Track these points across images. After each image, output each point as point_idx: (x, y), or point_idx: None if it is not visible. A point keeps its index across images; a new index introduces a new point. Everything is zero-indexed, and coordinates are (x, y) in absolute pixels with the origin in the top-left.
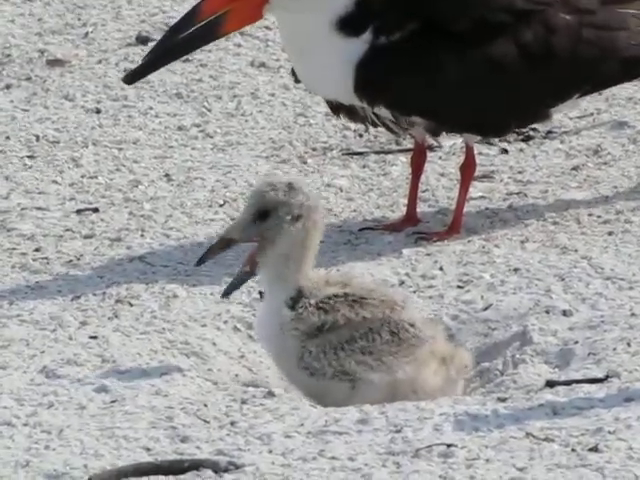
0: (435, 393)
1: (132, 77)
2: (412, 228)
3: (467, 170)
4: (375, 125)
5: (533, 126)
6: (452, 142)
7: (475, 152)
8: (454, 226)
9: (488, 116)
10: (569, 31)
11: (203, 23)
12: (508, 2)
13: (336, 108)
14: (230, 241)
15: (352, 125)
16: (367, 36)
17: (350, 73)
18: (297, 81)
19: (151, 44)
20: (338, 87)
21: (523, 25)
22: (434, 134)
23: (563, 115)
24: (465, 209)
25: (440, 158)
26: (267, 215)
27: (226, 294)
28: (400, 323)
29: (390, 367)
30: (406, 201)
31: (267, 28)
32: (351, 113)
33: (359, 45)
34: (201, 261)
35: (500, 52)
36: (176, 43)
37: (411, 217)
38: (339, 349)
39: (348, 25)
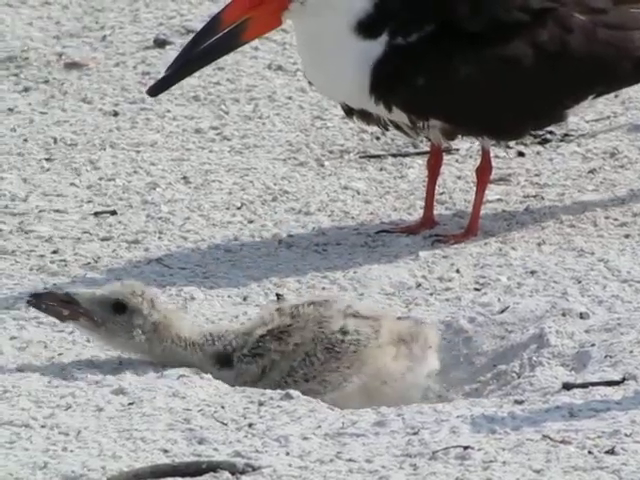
0: (405, 375)
1: (157, 89)
2: (429, 230)
3: (483, 173)
4: (387, 129)
5: (550, 129)
6: (469, 145)
7: (492, 155)
8: (471, 228)
9: (505, 118)
10: (584, 31)
11: (224, 32)
12: (523, 2)
13: (349, 111)
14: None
15: (369, 128)
16: (384, 38)
17: (367, 74)
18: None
19: (168, 47)
20: (353, 89)
21: (539, 25)
22: (450, 137)
23: (579, 118)
24: (482, 211)
25: (457, 161)
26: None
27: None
28: (332, 337)
29: (337, 383)
30: (423, 204)
31: (284, 31)
32: (365, 116)
33: (376, 47)
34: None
35: (516, 53)
36: (198, 53)
37: (428, 220)
38: (283, 383)
39: (366, 27)
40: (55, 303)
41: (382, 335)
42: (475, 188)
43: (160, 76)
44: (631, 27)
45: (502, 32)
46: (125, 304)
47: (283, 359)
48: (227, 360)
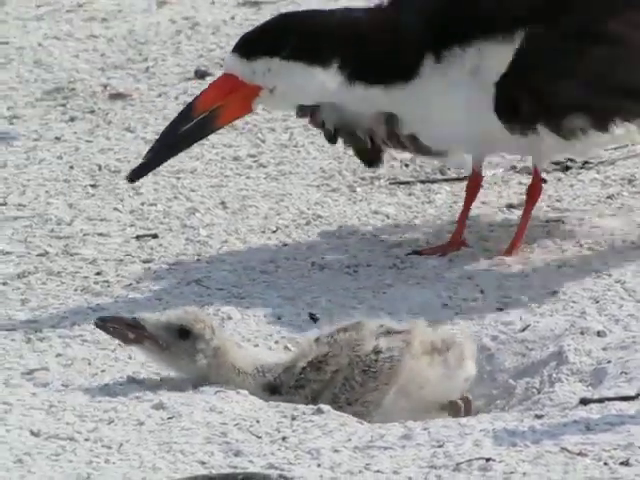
0: (440, 381)
1: (136, 174)
2: (457, 252)
3: (534, 191)
4: (373, 142)
5: (570, 157)
6: (493, 172)
7: (517, 182)
8: (513, 246)
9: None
10: None
11: (198, 119)
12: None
13: (333, 136)
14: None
15: (398, 155)
16: None
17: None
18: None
19: (209, 78)
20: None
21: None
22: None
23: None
24: (507, 234)
25: (482, 187)
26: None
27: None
28: (367, 358)
29: (377, 400)
30: (450, 227)
31: None
32: (351, 136)
33: None
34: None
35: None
36: (175, 139)
37: (456, 241)
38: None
39: None
40: (121, 327)
41: (414, 347)
42: (524, 207)
43: (139, 162)
44: None
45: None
46: (189, 330)
47: (325, 387)
48: (276, 390)
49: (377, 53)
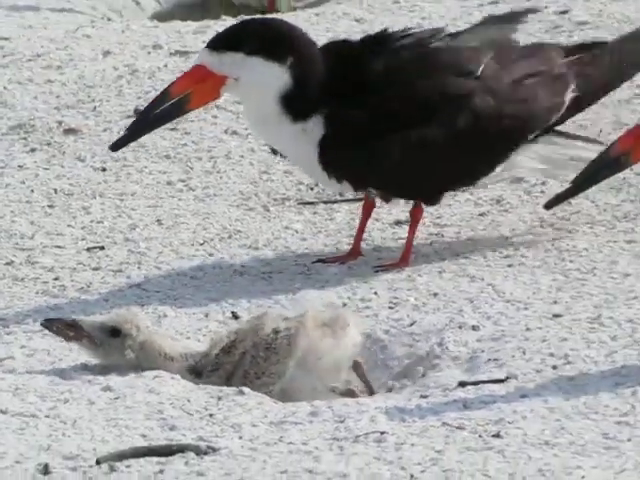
0: (332, 349)
1: (117, 146)
2: (355, 261)
3: (417, 212)
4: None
5: None
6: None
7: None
8: (404, 258)
9: (427, 188)
10: (489, 115)
11: (172, 102)
12: (442, 89)
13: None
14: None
15: (305, 180)
16: (314, 120)
17: (311, 155)
18: (275, 153)
19: None
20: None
21: (454, 111)
22: (386, 200)
23: None
24: (396, 246)
25: (375, 207)
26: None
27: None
28: (268, 338)
29: (280, 372)
30: (348, 240)
31: (238, 103)
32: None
33: (310, 126)
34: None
35: (434, 134)
36: (152, 118)
37: (355, 252)
38: (244, 384)
39: (293, 109)
40: (63, 327)
41: (308, 325)
42: (409, 225)
43: (121, 134)
44: (533, 99)
45: (422, 114)
46: (119, 329)
47: (236, 367)
48: (198, 373)
49: (302, 78)
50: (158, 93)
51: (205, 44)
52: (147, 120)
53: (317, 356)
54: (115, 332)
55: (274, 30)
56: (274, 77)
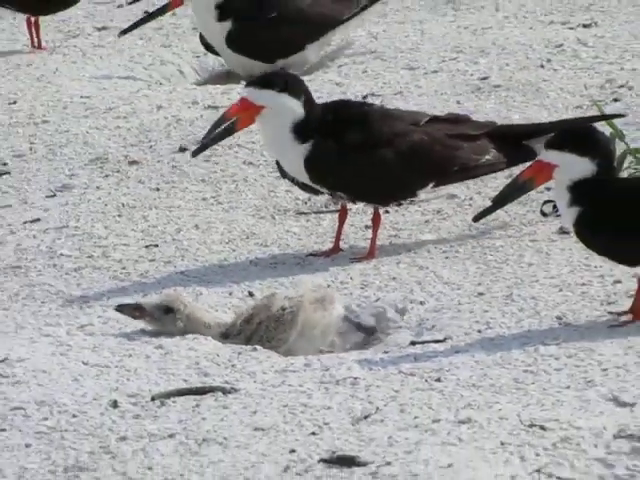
0: (325, 317)
1: (196, 153)
2: (336, 255)
3: (377, 220)
4: (317, 194)
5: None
6: (359, 205)
7: (380, 210)
8: (371, 253)
9: (381, 196)
10: (423, 146)
11: (227, 124)
12: (389, 129)
13: (295, 182)
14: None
15: (301, 196)
16: (309, 144)
17: (302, 169)
18: (283, 176)
19: (187, 152)
20: (298, 174)
21: (400, 139)
22: (353, 202)
23: (425, 193)
24: (366, 244)
25: (348, 214)
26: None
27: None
28: (277, 313)
29: (285, 338)
30: (332, 239)
31: (252, 142)
32: (305, 186)
33: (307, 149)
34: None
35: (382, 157)
36: (215, 134)
37: (335, 249)
38: (258, 344)
39: (300, 135)
40: (130, 309)
41: (305, 304)
42: (372, 229)
43: (198, 145)
44: (453, 146)
45: (374, 144)
46: (171, 307)
47: (253, 333)
48: (226, 336)
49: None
50: (217, 118)
51: (246, 84)
52: (213, 135)
53: (312, 325)
54: (168, 310)
55: (293, 76)
56: (295, 107)
